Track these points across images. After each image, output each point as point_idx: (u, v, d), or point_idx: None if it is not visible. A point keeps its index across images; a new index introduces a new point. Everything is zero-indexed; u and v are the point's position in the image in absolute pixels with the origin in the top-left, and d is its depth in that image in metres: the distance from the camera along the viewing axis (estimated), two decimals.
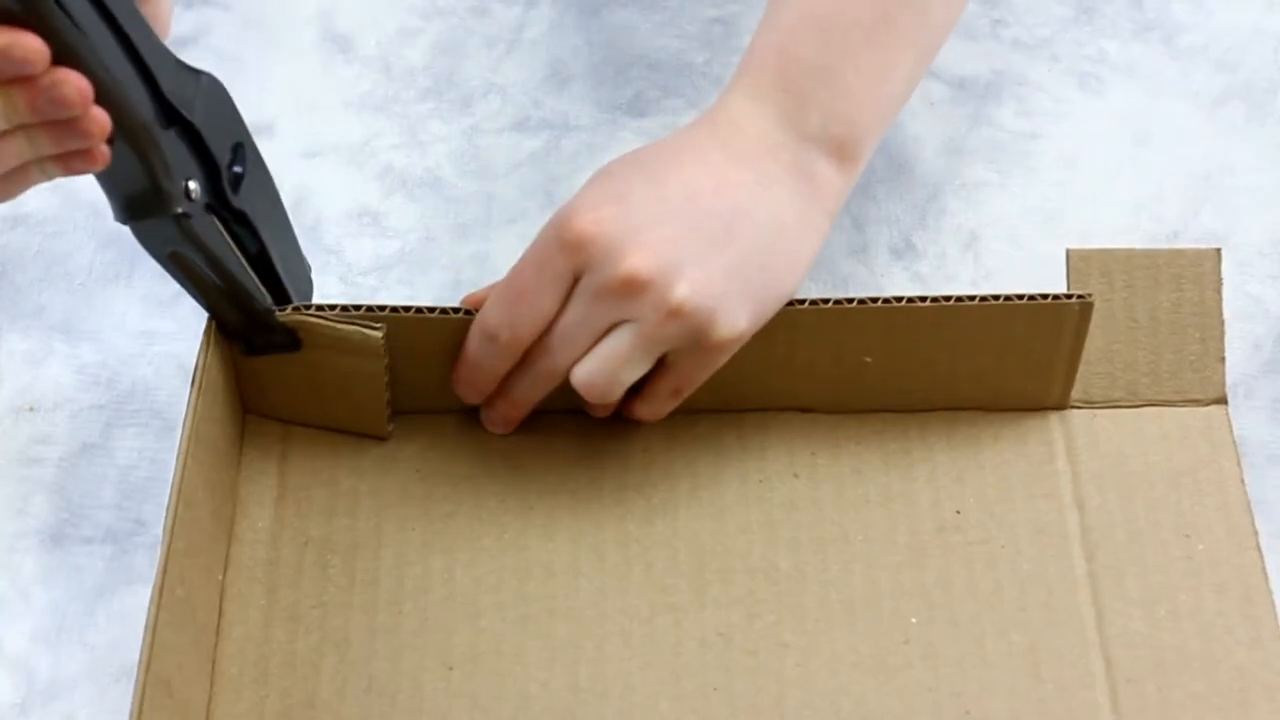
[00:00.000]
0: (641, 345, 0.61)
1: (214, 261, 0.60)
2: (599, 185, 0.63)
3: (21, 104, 0.50)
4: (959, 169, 0.78)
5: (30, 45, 0.49)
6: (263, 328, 0.64)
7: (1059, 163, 0.79)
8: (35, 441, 0.69)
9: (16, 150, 0.52)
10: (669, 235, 0.60)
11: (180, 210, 0.57)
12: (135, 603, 0.64)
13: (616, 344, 0.61)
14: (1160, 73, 0.82)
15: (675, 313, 0.60)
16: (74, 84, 0.50)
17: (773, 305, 0.63)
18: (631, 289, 0.60)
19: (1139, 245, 0.74)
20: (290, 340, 0.64)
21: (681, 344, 0.62)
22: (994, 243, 0.76)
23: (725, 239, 0.61)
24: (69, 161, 0.53)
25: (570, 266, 0.61)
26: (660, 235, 0.60)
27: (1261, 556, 0.65)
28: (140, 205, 0.57)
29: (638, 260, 0.60)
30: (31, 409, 0.70)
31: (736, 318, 0.61)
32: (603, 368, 0.62)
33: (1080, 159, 0.79)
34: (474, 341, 0.64)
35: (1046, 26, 0.84)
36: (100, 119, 0.51)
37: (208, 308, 0.63)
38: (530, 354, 0.63)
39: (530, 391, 0.65)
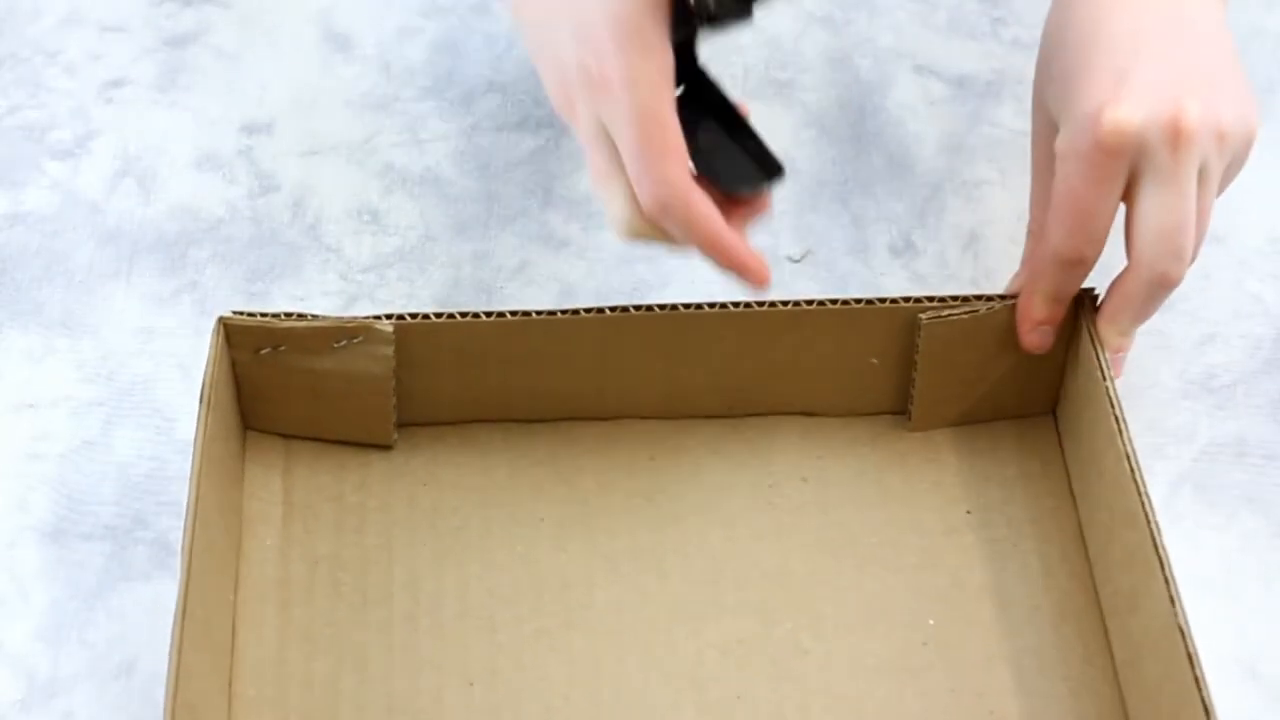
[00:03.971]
0: (1205, 181, 0.61)
1: None
2: (1090, 78, 0.61)
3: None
4: (959, 167, 0.78)
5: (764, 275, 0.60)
6: None
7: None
8: (35, 438, 0.69)
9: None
10: (1176, 74, 0.60)
11: None
12: (135, 600, 0.64)
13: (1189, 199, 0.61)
14: None
15: (1223, 136, 0.60)
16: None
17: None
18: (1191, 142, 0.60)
19: None
20: (746, 6, 0.61)
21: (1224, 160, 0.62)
22: (994, 241, 0.76)
23: (1192, 45, 0.62)
24: None
25: (1124, 165, 0.60)
26: (1174, 79, 0.60)
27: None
28: None
29: (1185, 119, 0.59)
30: (31, 406, 0.70)
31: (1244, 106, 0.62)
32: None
33: None
34: (1054, 272, 0.63)
35: None
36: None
37: None
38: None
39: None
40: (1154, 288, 0.62)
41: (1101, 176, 0.60)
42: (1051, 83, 0.64)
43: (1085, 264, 0.63)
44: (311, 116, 0.81)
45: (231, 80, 0.82)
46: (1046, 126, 0.64)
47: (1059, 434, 0.68)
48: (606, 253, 0.75)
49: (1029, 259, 0.67)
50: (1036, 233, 0.66)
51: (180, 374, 0.71)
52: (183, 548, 0.57)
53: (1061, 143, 0.62)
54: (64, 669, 0.63)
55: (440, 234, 0.76)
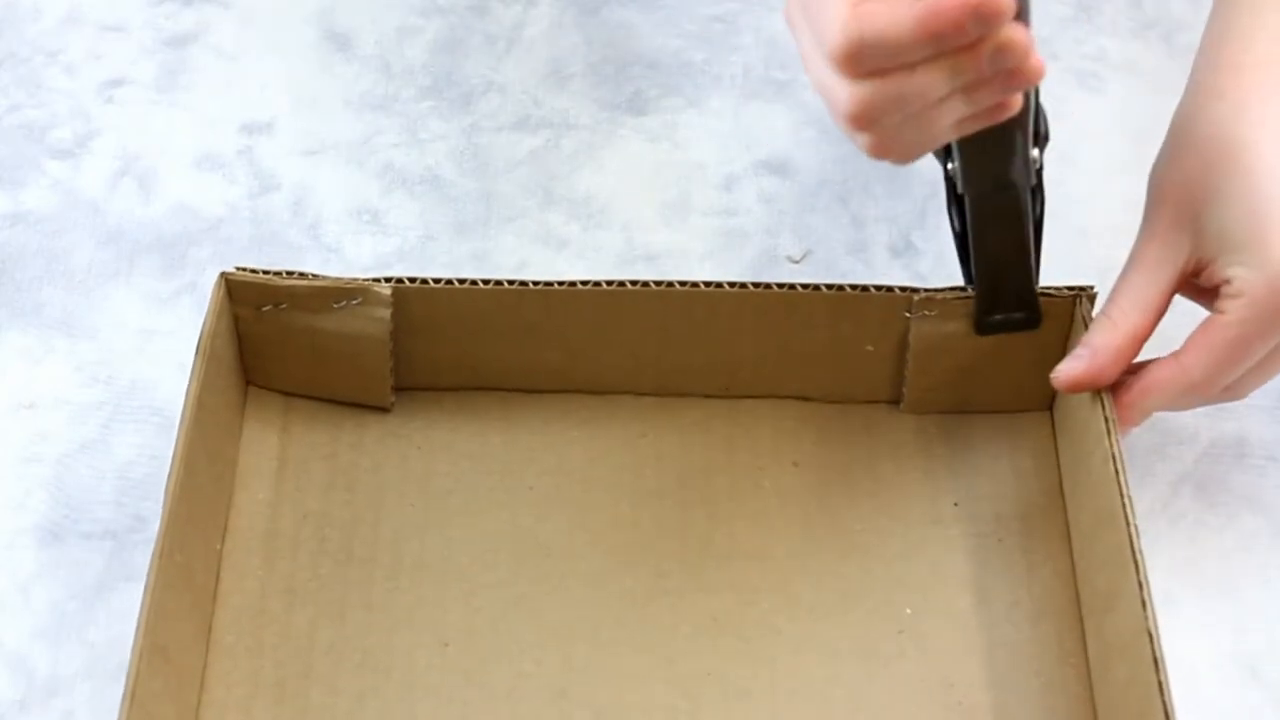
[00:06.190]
0: None
1: (1024, 222, 0.62)
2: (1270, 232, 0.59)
3: (969, 63, 0.48)
4: None
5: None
6: (1013, 301, 0.64)
7: (1058, 161, 0.78)
8: (34, 439, 0.69)
9: (950, 110, 0.50)
10: None
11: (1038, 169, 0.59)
12: (134, 600, 0.63)
13: None
14: (1159, 71, 0.82)
15: None
16: (1024, 37, 0.47)
17: None
18: None
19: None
20: (1034, 318, 0.64)
21: None
22: None
23: None
24: (982, 116, 0.51)
25: None
26: None
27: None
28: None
29: None
30: (31, 406, 0.70)
31: None
32: None
33: (1079, 157, 0.79)
34: (1166, 392, 0.62)
35: (1046, 25, 0.84)
36: (1039, 67, 0.48)
37: (979, 273, 0.64)
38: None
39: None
40: (1199, 400, 0.63)
41: (1273, 333, 0.60)
42: (1217, 206, 0.61)
43: (1207, 399, 0.63)
44: (311, 116, 0.81)
45: (231, 80, 0.82)
46: (1178, 232, 0.62)
47: (1055, 431, 0.68)
48: (606, 253, 0.75)
49: (1109, 352, 0.63)
50: (1112, 322, 0.63)
51: (180, 375, 0.70)
52: (165, 490, 0.58)
53: (1250, 287, 0.59)
54: (64, 669, 0.63)
55: (440, 234, 0.76)
